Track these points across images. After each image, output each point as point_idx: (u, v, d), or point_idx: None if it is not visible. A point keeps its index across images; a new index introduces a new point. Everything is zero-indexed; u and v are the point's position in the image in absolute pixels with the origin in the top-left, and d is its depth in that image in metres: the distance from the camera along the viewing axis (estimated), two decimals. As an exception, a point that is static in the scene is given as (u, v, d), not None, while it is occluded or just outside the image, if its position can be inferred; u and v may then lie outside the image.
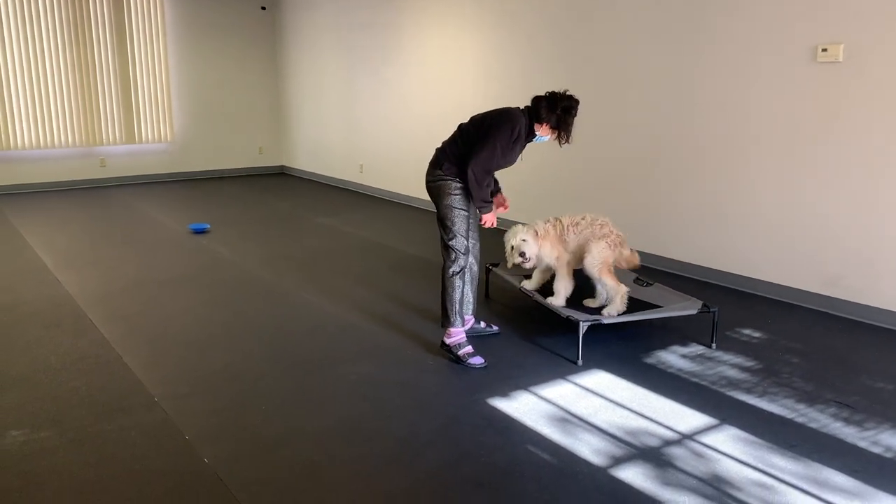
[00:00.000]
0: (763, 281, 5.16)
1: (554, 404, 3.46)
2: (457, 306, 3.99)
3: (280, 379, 3.73)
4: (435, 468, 2.89)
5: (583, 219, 4.29)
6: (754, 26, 4.95)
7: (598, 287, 4.28)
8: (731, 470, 2.90)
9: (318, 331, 4.43)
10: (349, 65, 9.37)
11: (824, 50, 4.58)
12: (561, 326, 4.49)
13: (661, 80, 5.62)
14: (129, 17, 9.76)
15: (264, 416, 3.33)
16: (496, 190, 4.24)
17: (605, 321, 3.99)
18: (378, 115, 8.99)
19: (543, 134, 3.88)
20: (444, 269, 3.98)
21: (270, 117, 11.21)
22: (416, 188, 8.47)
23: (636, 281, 4.63)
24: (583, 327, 3.90)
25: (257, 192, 9.53)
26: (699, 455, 3.01)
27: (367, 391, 3.60)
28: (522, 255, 4.23)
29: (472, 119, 3.94)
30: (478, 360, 3.93)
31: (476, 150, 3.77)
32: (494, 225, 3.94)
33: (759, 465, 2.93)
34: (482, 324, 4.38)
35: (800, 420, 3.32)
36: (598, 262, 4.15)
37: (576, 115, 3.84)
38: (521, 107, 3.91)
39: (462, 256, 3.95)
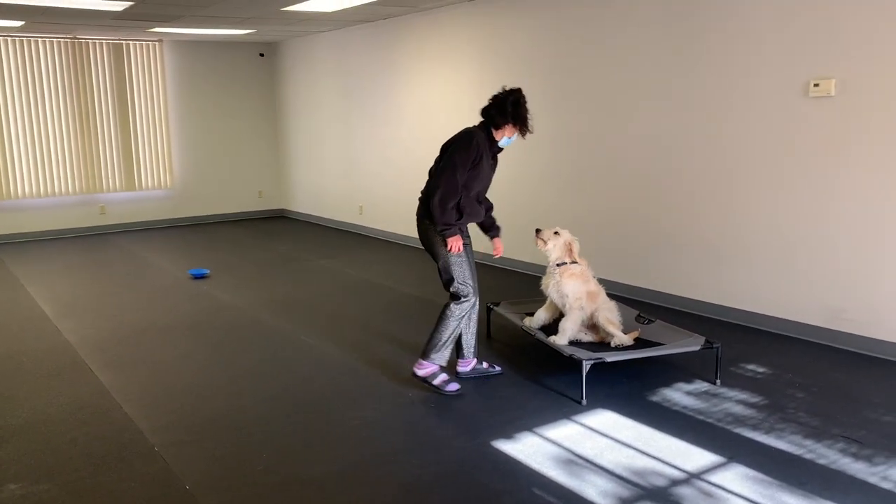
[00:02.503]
0: (764, 315, 5.14)
1: (559, 445, 3.42)
2: (444, 345, 4.01)
3: (281, 425, 3.69)
4: (440, 514, 2.84)
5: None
6: (748, 61, 5.02)
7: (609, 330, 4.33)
8: (740, 509, 2.85)
9: (319, 375, 4.39)
10: (347, 108, 9.47)
11: (816, 85, 4.64)
12: (564, 365, 4.46)
13: (656, 116, 5.67)
14: (129, 64, 9.89)
15: (266, 463, 3.29)
16: (494, 234, 4.30)
17: (609, 359, 3.97)
18: (376, 157, 9.06)
19: (508, 136, 3.96)
20: (449, 307, 4.01)
21: (270, 161, 11.29)
22: (415, 228, 8.48)
23: (638, 319, 4.62)
24: (586, 366, 3.87)
25: (257, 236, 9.55)
26: (708, 495, 2.96)
27: (370, 435, 3.56)
28: (544, 241, 4.36)
29: (436, 160, 4.00)
30: (454, 387, 4.02)
31: (437, 175, 3.86)
32: (461, 251, 3.94)
33: (769, 504, 2.88)
34: (484, 364, 4.36)
35: (808, 456, 3.28)
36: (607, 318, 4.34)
37: (525, 102, 3.91)
38: (475, 125, 3.99)
39: (472, 297, 4.01)
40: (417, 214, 4.08)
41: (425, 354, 4.05)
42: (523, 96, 3.94)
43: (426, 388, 4.12)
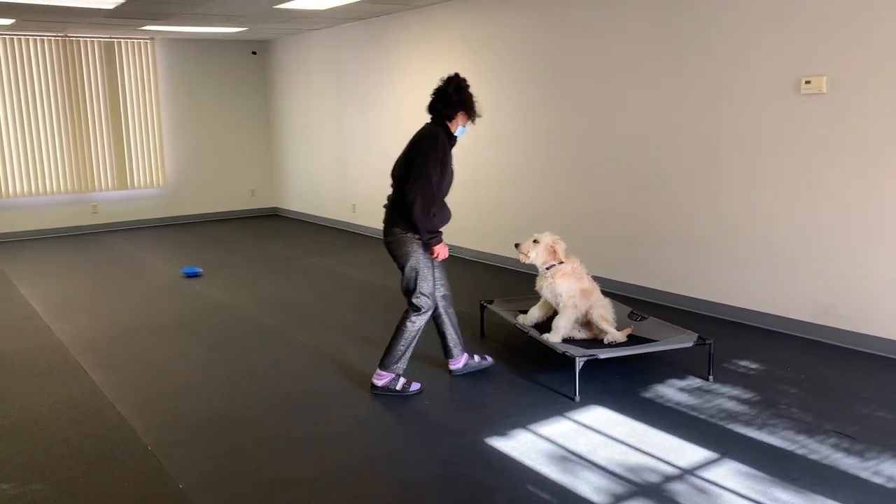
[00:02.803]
0: (756, 311, 5.16)
1: (553, 442, 3.43)
2: (402, 356, 3.98)
3: (275, 423, 3.68)
4: (434, 511, 2.84)
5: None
6: (740, 59, 5.03)
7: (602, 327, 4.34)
8: (733, 505, 2.86)
9: (312, 373, 4.39)
10: (339, 106, 9.46)
11: (808, 82, 4.65)
12: (557, 363, 4.47)
13: (647, 113, 5.68)
14: (121, 63, 9.84)
15: (260, 462, 3.28)
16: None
17: (602, 356, 3.98)
18: (369, 155, 9.05)
19: (462, 125, 3.90)
20: (409, 319, 3.95)
21: (262, 159, 11.26)
22: (408, 227, 8.48)
23: (631, 316, 4.63)
24: (579, 363, 3.88)
25: (250, 235, 9.53)
26: (701, 490, 2.97)
27: (364, 434, 3.55)
28: (525, 254, 4.35)
29: (398, 164, 3.88)
30: (416, 386, 4.03)
31: (411, 184, 3.71)
32: (447, 255, 3.89)
33: (762, 500, 2.89)
34: (476, 357, 4.37)
35: (800, 452, 3.29)
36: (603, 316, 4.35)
37: (467, 86, 3.84)
38: (430, 123, 3.90)
39: (426, 313, 3.96)
40: (385, 223, 3.95)
41: (384, 365, 4.00)
42: (464, 80, 3.85)
43: (418, 389, 4.11)
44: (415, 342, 4.02)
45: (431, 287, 3.95)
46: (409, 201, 3.72)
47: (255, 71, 10.99)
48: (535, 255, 4.35)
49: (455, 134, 3.91)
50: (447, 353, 4.25)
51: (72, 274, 7.28)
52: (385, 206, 3.98)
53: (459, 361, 4.27)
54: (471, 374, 4.30)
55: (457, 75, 3.88)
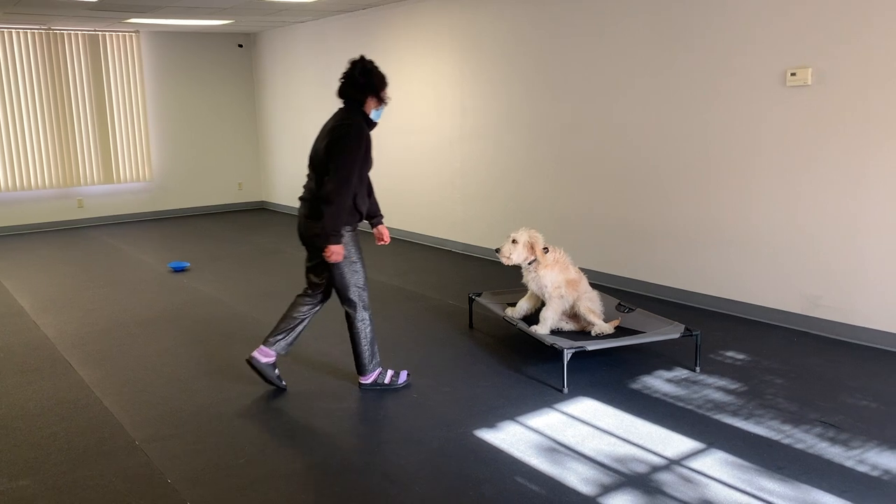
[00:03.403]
0: (743, 303, 5.19)
1: (541, 434, 3.45)
2: (373, 353, 3.93)
3: (263, 417, 3.68)
4: (423, 503, 2.85)
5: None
6: (725, 51, 5.05)
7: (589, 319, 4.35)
8: (720, 494, 2.89)
9: (302, 367, 4.39)
10: (326, 99, 9.42)
11: (793, 74, 4.68)
12: (545, 354, 4.49)
13: (636, 106, 5.69)
14: (106, 56, 9.76)
15: (248, 455, 3.28)
16: (378, 221, 4.10)
17: (590, 348, 3.99)
18: (357, 149, 9.01)
19: (375, 108, 3.72)
20: (353, 323, 3.86)
21: (249, 153, 11.21)
22: (395, 220, 8.48)
23: (618, 307, 4.65)
24: (567, 355, 3.90)
25: (237, 228, 9.49)
26: (688, 480, 3.00)
27: (352, 426, 3.56)
28: (502, 253, 4.37)
29: (317, 151, 3.71)
30: (404, 377, 4.05)
31: (332, 179, 3.56)
32: (341, 258, 3.68)
33: (748, 489, 2.92)
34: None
35: (786, 441, 3.32)
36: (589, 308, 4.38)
37: (375, 68, 3.69)
38: (343, 109, 3.73)
39: (367, 308, 3.87)
40: (301, 214, 3.80)
41: (362, 371, 3.96)
42: (370, 62, 3.70)
43: (406, 379, 4.12)
44: (374, 336, 3.93)
45: (364, 278, 3.84)
46: (325, 194, 3.57)
47: (242, 64, 10.93)
48: (517, 256, 4.35)
49: (372, 118, 3.73)
50: (265, 341, 3.94)
51: (58, 269, 7.23)
52: (302, 198, 3.82)
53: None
54: (463, 369, 4.30)
55: (362, 58, 3.72)
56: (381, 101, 3.74)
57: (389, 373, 4.02)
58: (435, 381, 4.12)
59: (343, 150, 3.57)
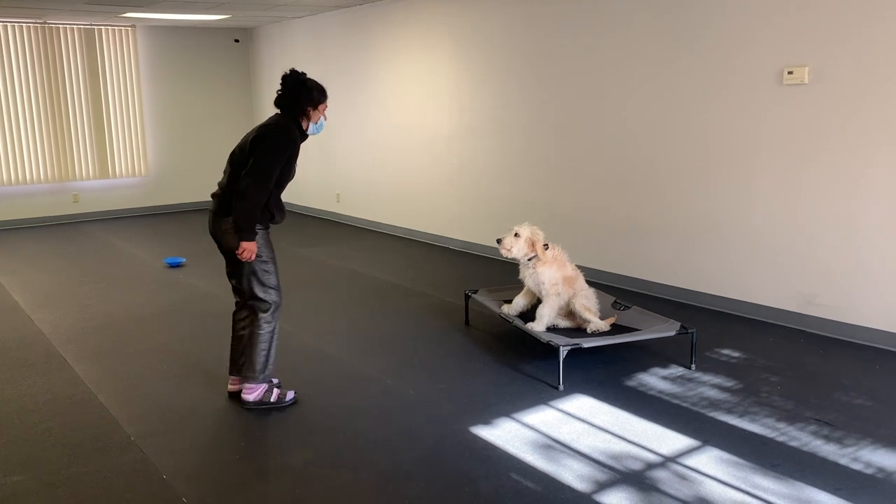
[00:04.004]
0: (739, 301, 5.20)
1: (537, 431, 3.45)
2: (267, 362, 3.70)
3: (259, 413, 3.68)
4: (419, 499, 2.85)
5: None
6: (722, 49, 5.05)
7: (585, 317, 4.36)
8: (714, 492, 2.89)
9: (298, 363, 4.38)
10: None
11: (790, 72, 4.68)
12: (541, 351, 4.49)
13: (633, 105, 5.69)
14: (102, 51, 9.73)
15: (244, 451, 3.28)
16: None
17: (586, 345, 4.00)
18: (354, 145, 9.01)
19: (314, 122, 3.63)
20: (255, 323, 3.67)
21: (245, 149, 11.17)
22: (392, 217, 8.47)
23: (614, 305, 4.65)
24: (563, 352, 3.90)
25: (233, 224, 9.45)
26: (683, 478, 3.01)
27: (347, 423, 3.56)
28: (503, 245, 4.38)
29: (241, 147, 3.58)
30: (292, 395, 3.79)
31: (249, 176, 3.43)
32: (253, 257, 3.53)
33: (743, 486, 2.93)
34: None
35: (781, 439, 3.33)
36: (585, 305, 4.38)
37: (304, 78, 3.57)
38: (278, 115, 3.62)
39: (276, 310, 3.69)
40: (214, 211, 3.63)
41: (248, 378, 3.69)
42: (302, 74, 3.58)
43: (402, 376, 4.12)
44: (275, 344, 3.72)
45: (276, 279, 3.68)
46: (241, 188, 3.43)
47: (238, 59, 10.90)
48: (517, 250, 4.36)
49: (308, 133, 3.65)
50: (245, 377, 3.74)
51: (53, 264, 7.21)
52: (214, 195, 3.66)
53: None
54: (459, 366, 4.30)
55: (293, 71, 3.58)
56: (318, 114, 3.63)
57: (276, 391, 3.75)
58: (431, 377, 4.12)
59: (268, 149, 3.46)
